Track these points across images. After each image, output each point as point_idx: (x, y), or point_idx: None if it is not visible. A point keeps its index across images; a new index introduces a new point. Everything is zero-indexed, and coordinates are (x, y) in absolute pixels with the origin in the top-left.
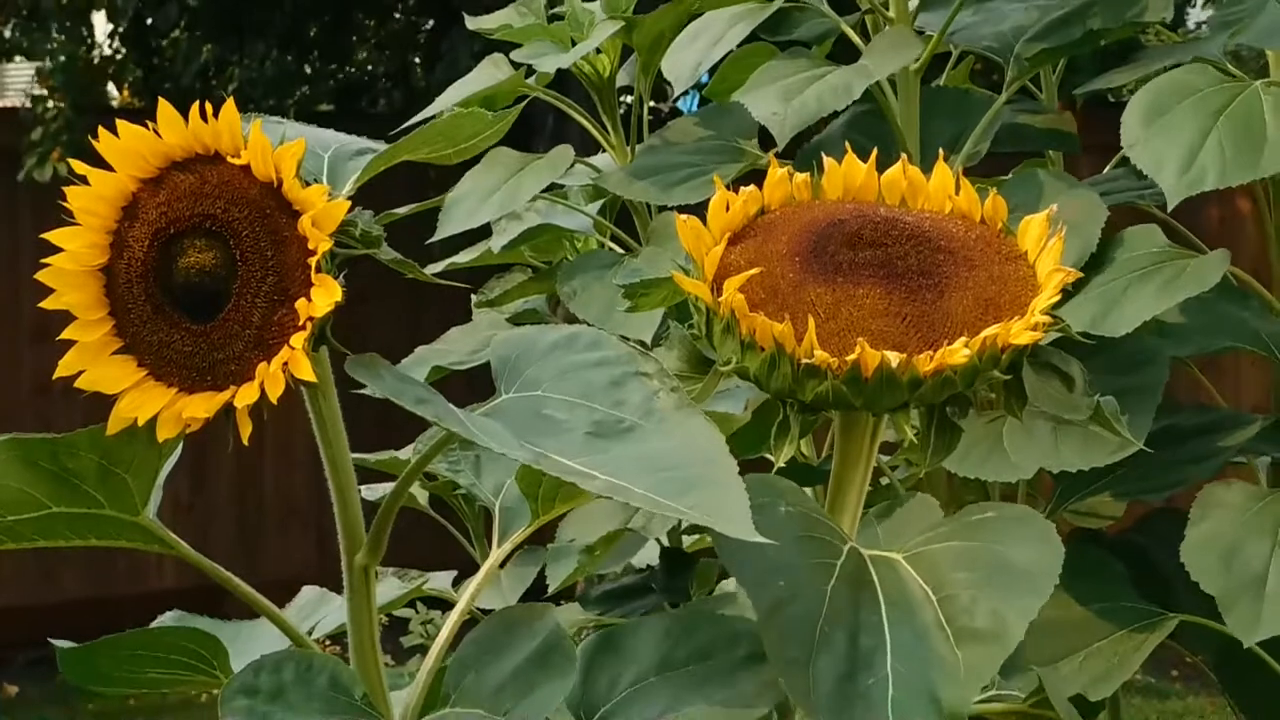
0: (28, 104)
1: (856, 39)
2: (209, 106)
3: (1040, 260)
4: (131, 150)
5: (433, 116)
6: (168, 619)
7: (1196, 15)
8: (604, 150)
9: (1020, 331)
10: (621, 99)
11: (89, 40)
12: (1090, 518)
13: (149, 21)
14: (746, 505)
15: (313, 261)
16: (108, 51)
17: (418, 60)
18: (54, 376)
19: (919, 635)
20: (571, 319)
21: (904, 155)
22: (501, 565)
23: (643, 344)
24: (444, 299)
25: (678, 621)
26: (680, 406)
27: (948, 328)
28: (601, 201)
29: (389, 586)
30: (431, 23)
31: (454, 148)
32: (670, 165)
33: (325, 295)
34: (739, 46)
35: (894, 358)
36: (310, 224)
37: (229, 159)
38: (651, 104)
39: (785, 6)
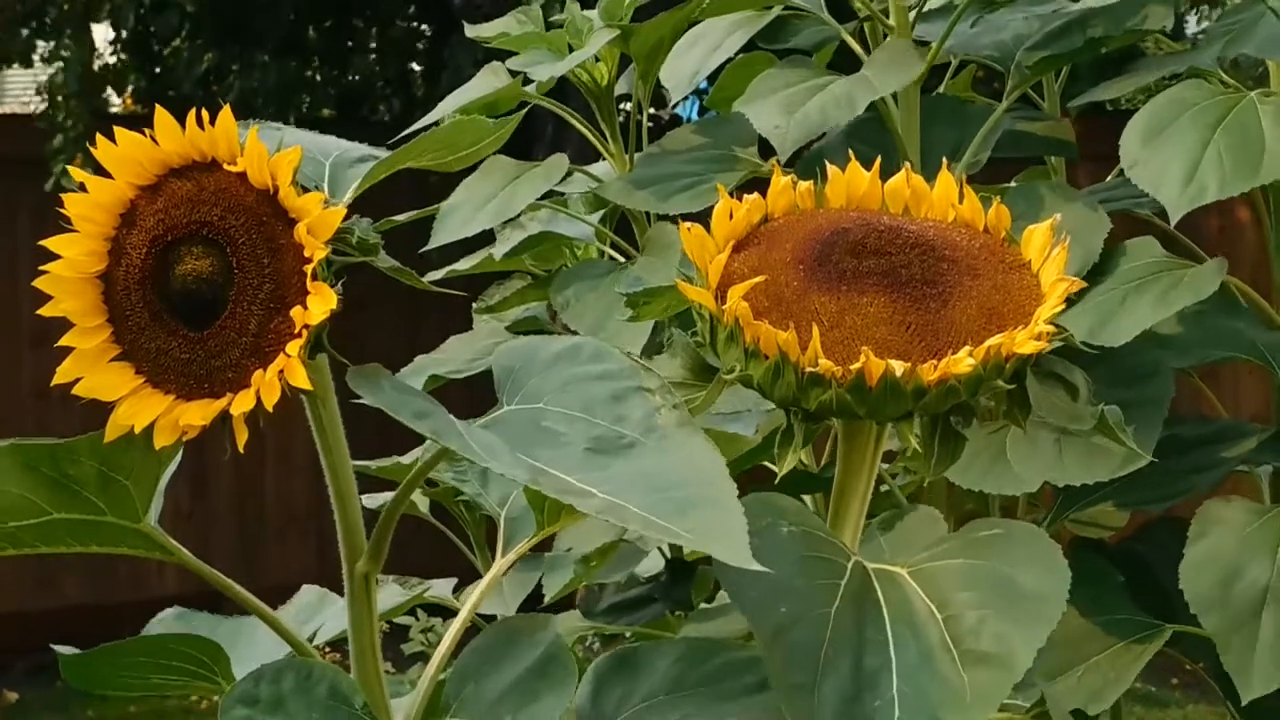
0: (32, 110)
1: (856, 47)
2: (205, 114)
3: (1044, 269)
4: (129, 158)
5: (433, 124)
6: (168, 615)
7: (1196, 24)
8: (603, 158)
9: (1024, 341)
10: (621, 107)
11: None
12: (1091, 527)
13: (150, 29)
14: (745, 530)
15: (309, 269)
16: (109, 59)
17: (418, 68)
18: (52, 383)
19: (924, 656)
20: (569, 327)
21: (906, 163)
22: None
23: (644, 354)
24: (443, 307)
25: (693, 646)
26: (682, 424)
27: (952, 336)
28: (603, 210)
29: (389, 594)
30: (431, 30)
31: (455, 155)
32: (669, 175)
33: (321, 303)
34: (737, 55)
35: (898, 366)
36: (305, 231)
37: (226, 166)
38: (651, 111)
39: (783, 14)
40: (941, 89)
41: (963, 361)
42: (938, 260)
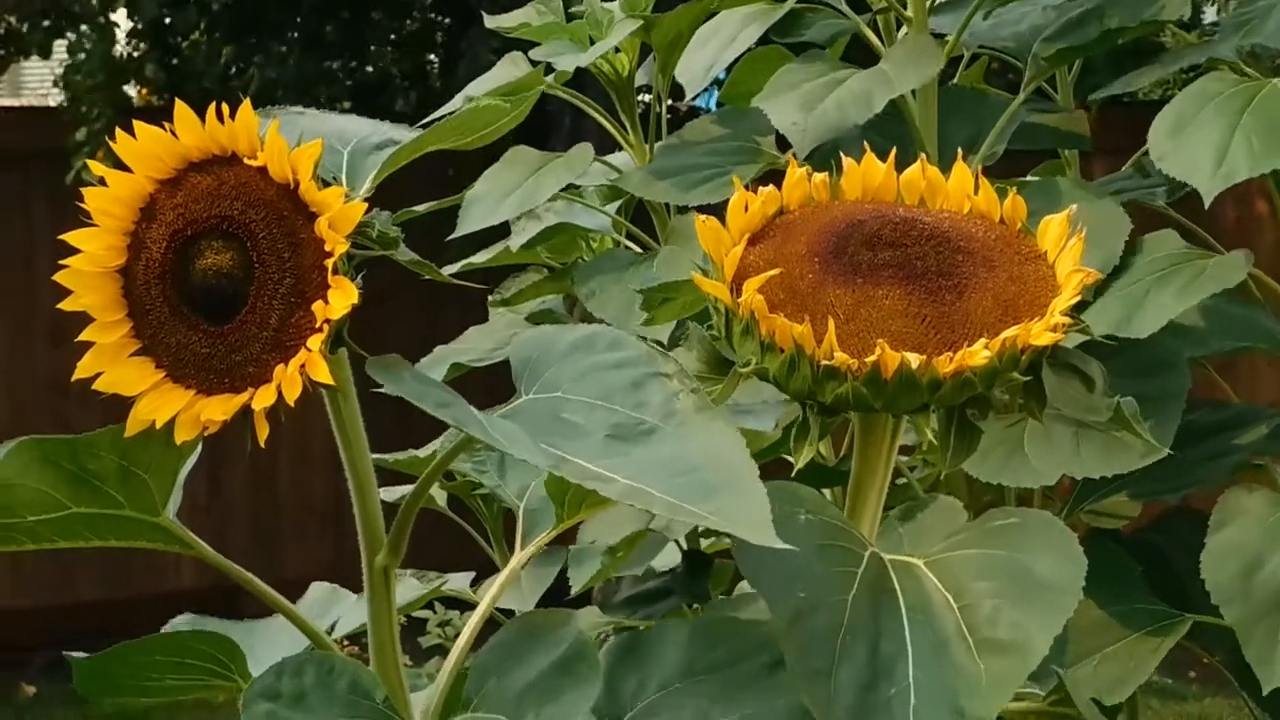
0: (49, 103)
1: (873, 38)
2: (225, 108)
3: (1059, 261)
4: (148, 152)
5: (450, 113)
6: (180, 622)
7: (1215, 13)
8: (622, 149)
9: (1040, 332)
10: (640, 97)
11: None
12: (1106, 518)
13: (168, 21)
14: (768, 511)
15: (330, 263)
16: (125, 50)
17: (435, 60)
18: (72, 378)
19: (940, 643)
20: (588, 318)
21: (922, 155)
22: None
23: (660, 344)
24: (461, 299)
25: (700, 628)
26: (701, 409)
27: (967, 329)
28: (619, 201)
29: (407, 587)
30: (450, 23)
31: (472, 135)
32: (690, 166)
33: (342, 297)
34: (752, 48)
35: (914, 359)
36: (327, 226)
37: (246, 160)
38: (669, 102)
39: (797, 7)
40: (955, 80)
41: (978, 354)
42: (953, 252)
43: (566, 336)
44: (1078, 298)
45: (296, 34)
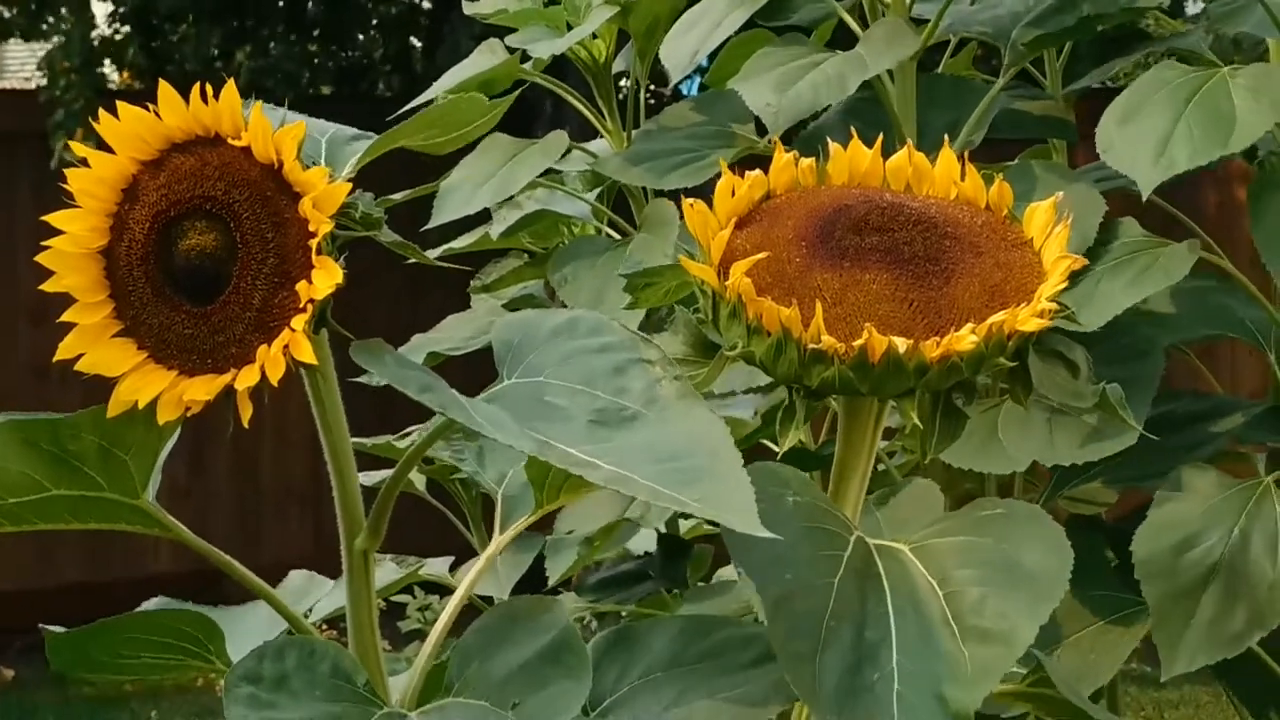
0: (33, 85)
1: (854, 24)
2: (209, 89)
3: (1046, 247)
4: (131, 132)
5: (429, 102)
6: (154, 604)
7: (1197, 5)
8: (601, 135)
9: (1027, 318)
10: (619, 84)
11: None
12: (1084, 504)
13: (151, 2)
14: (752, 498)
15: (314, 244)
16: (106, 33)
17: (418, 43)
18: (54, 359)
19: (925, 629)
20: (566, 305)
21: (909, 141)
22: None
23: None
24: (442, 283)
25: (692, 623)
26: (683, 395)
27: (954, 314)
28: (600, 187)
29: (386, 571)
30: (431, 6)
31: (449, 135)
32: (666, 151)
33: (326, 277)
34: (737, 33)
35: (901, 343)
36: (311, 206)
37: (230, 141)
38: (652, 88)
39: None
40: (941, 68)
41: (965, 339)
42: (940, 238)
43: (549, 321)
44: (1064, 284)
45: (279, 17)
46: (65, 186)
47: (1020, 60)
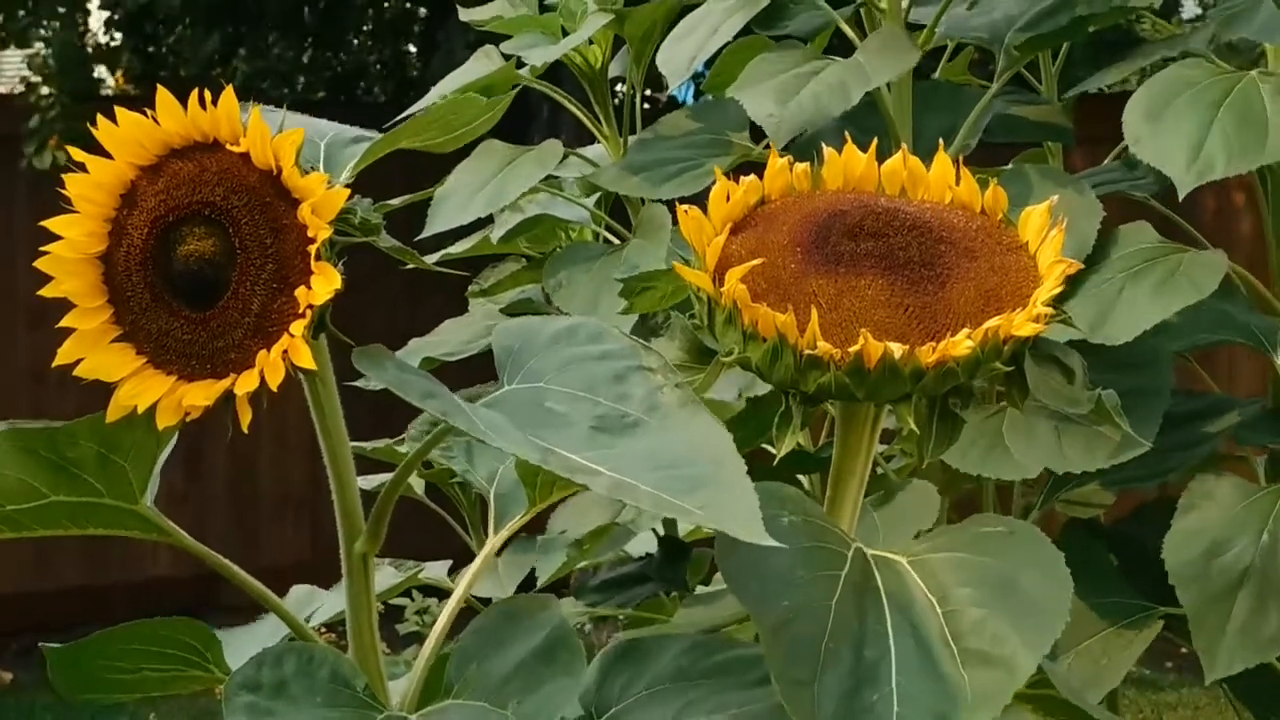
0: (19, 90)
1: (851, 32)
2: (208, 94)
3: (1041, 251)
4: (130, 138)
5: (427, 108)
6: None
7: (1192, 8)
8: (598, 141)
9: (1023, 323)
10: (615, 89)
11: (84, 27)
12: (1081, 506)
13: (146, 8)
14: (756, 506)
15: (312, 249)
16: (102, 38)
17: (413, 49)
18: (53, 364)
19: (924, 648)
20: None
21: (904, 145)
22: (499, 553)
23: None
24: (441, 288)
25: (701, 640)
26: (685, 402)
27: (950, 319)
28: (599, 192)
29: (385, 575)
30: (426, 12)
31: (449, 135)
32: (662, 160)
33: (325, 283)
34: (734, 40)
35: (897, 349)
36: (310, 212)
37: (228, 147)
38: (648, 93)
39: None
40: (938, 73)
41: (961, 344)
42: (935, 242)
43: (549, 327)
44: (1059, 289)
45: (273, 22)
46: (63, 191)
47: (1015, 64)
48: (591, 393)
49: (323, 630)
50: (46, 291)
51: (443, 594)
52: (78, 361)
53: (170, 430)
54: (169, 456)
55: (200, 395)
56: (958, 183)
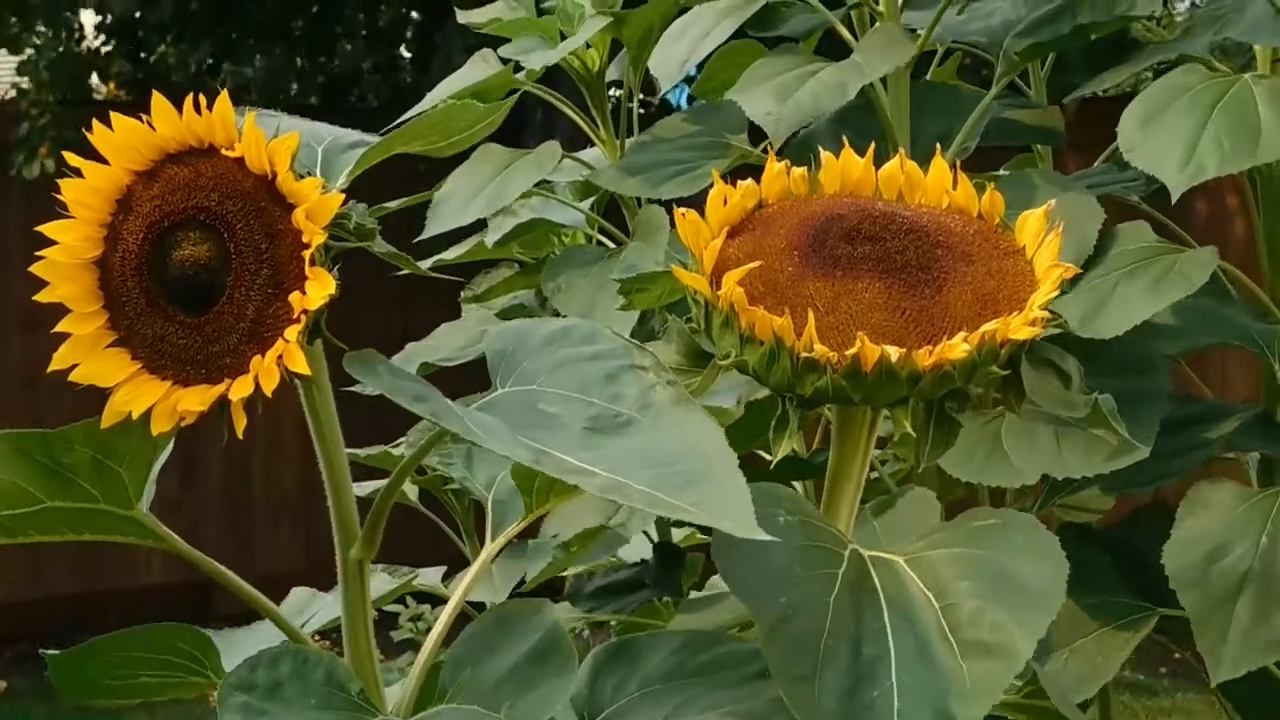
0: (11, 96)
1: (845, 34)
2: (203, 99)
3: (1038, 255)
4: (125, 143)
5: (424, 112)
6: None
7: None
8: (594, 144)
9: (1019, 327)
10: (612, 93)
11: (77, 33)
12: (1078, 511)
13: (138, 15)
14: (749, 502)
15: (307, 254)
16: (94, 45)
17: (406, 54)
18: (48, 370)
19: (922, 644)
20: (559, 314)
21: (900, 149)
22: (493, 560)
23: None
24: (433, 294)
25: (692, 638)
26: (678, 401)
27: (946, 322)
28: (593, 196)
29: (379, 582)
30: (420, 17)
31: (447, 140)
32: (660, 161)
33: (320, 288)
34: (726, 43)
35: (894, 352)
36: (304, 217)
37: (223, 152)
38: (641, 97)
39: (772, 1)
40: (928, 76)
41: (958, 347)
42: (932, 246)
43: (542, 329)
44: (1056, 293)
45: (265, 28)
46: (58, 196)
47: (1013, 69)
48: (584, 393)
49: (318, 637)
50: (41, 296)
51: (436, 600)
52: (73, 367)
53: (166, 436)
54: (163, 463)
55: (195, 400)
56: (955, 187)
